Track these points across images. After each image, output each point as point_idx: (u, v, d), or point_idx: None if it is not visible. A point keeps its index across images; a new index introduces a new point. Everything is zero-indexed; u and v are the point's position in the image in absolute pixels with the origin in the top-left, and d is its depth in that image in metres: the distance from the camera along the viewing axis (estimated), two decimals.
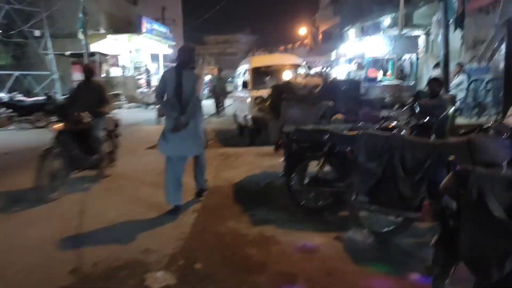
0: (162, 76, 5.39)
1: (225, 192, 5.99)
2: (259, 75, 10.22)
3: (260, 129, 10.10)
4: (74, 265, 3.74)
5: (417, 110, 5.17)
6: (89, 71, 6.88)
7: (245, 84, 10.07)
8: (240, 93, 10.98)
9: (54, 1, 22.46)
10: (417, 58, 11.00)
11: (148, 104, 23.53)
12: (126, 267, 3.72)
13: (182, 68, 5.04)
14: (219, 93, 17.35)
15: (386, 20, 18.78)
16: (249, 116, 9.84)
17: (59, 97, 20.66)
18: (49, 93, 20.69)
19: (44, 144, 5.96)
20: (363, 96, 5.75)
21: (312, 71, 11.55)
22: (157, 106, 12.69)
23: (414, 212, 3.68)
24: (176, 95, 4.97)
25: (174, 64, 5.31)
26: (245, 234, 4.42)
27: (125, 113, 21.19)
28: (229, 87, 22.32)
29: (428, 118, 4.87)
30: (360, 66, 12.20)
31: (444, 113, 5.44)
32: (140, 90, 25.15)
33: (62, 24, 23.60)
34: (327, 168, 4.84)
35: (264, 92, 9.71)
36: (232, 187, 6.27)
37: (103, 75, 25.44)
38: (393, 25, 18.30)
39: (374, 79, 11.52)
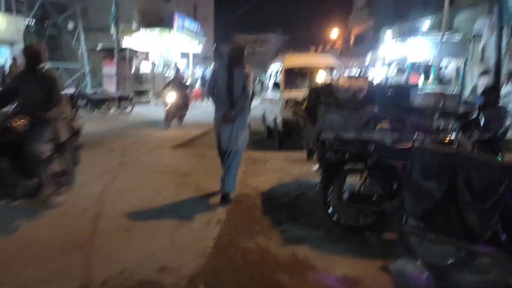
0: (213, 72, 5.94)
1: (253, 202, 5.47)
2: (292, 75, 9.67)
3: (290, 133, 9.56)
4: (80, 282, 3.29)
5: (482, 122, 4.54)
6: (33, 57, 4.66)
7: (276, 85, 9.54)
8: (270, 94, 10.45)
9: None
10: (465, 65, 10.21)
11: None
12: None
13: (233, 66, 5.32)
14: None
15: (426, 22, 17.94)
16: (279, 119, 9.31)
17: (88, 91, 20.69)
18: (79, 86, 20.86)
19: None
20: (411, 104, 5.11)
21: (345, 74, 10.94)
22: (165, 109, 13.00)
23: (481, 246, 3.07)
24: (227, 91, 5.30)
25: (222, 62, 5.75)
26: (275, 254, 3.88)
27: (152, 109, 21.00)
28: (257, 87, 21.80)
29: (492, 132, 4.22)
30: (400, 71, 11.48)
31: (505, 126, 4.78)
32: None
33: (94, 17, 23.65)
34: (368, 181, 4.26)
35: (297, 94, 9.16)
36: (260, 196, 5.75)
37: (133, 70, 25.40)
38: (432, 28, 17.45)
39: (415, 86, 10.80)
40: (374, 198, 4.20)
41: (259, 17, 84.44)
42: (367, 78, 5.25)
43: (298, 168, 7.43)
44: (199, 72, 35.69)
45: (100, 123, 13.68)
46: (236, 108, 5.27)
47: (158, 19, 26.68)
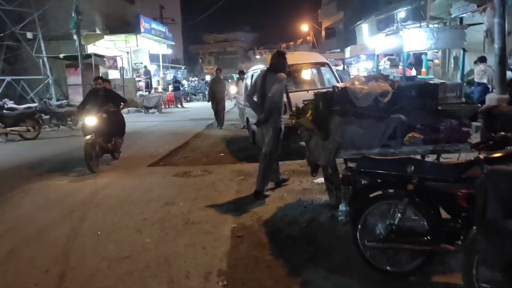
0: (256, 79, 6.20)
1: (257, 237, 4.48)
2: None
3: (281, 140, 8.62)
4: None
5: None
6: None
7: None
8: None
9: (45, 0, 20.93)
10: (464, 52, 9.46)
11: (148, 108, 22.05)
12: None
13: (269, 71, 5.72)
14: (219, 97, 13.99)
15: (401, 13, 17.32)
16: None
17: (54, 102, 19.21)
18: (43, 98, 19.35)
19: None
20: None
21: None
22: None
23: None
24: (261, 96, 5.78)
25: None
26: None
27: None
28: (231, 89, 20.72)
29: None
30: (394, 63, 10.70)
31: None
32: (139, 93, 23.64)
33: (55, 25, 22.20)
34: (407, 211, 3.36)
35: (285, 97, 8.23)
36: (263, 226, 4.77)
37: None
38: (407, 19, 16.84)
39: (412, 78, 10.08)
40: (418, 233, 3.30)
41: (227, 17, 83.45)
42: (388, 77, 4.28)
43: (298, 182, 6.51)
44: (170, 76, 34.39)
45: (66, 141, 12.43)
46: (264, 112, 5.72)
47: (123, 23, 25.36)
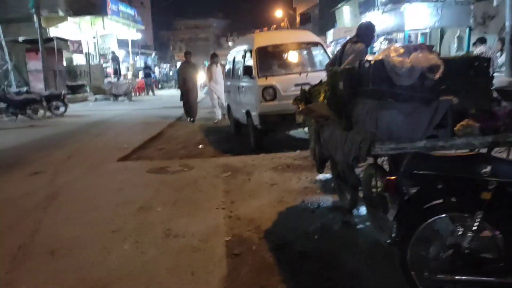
0: (337, 51, 5.45)
1: (259, 255, 3.47)
2: (267, 57, 7.70)
3: (270, 130, 7.66)
4: None
5: None
6: None
7: (247, 71, 7.51)
8: (238, 82, 8.44)
9: None
10: (470, 30, 8.65)
11: (116, 96, 20.63)
12: None
13: (350, 41, 5.02)
14: (190, 85, 11.52)
15: None
16: (255, 113, 7.35)
17: (14, 89, 17.56)
18: (1, 85, 17.68)
19: None
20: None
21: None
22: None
23: None
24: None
25: None
26: None
27: (90, 107, 18.29)
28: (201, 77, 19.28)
29: None
30: (392, 44, 9.80)
31: None
32: (107, 80, 22.13)
33: (14, 7, 20.36)
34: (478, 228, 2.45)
35: (274, 81, 7.25)
36: (264, 240, 3.78)
37: (65, 63, 22.35)
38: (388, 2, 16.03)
39: None
40: (495, 262, 2.40)
41: (198, 2, 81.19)
42: (432, 47, 3.30)
43: (296, 179, 5.56)
44: (140, 63, 32.73)
45: (22, 133, 11.08)
46: None
47: (88, 4, 23.60)
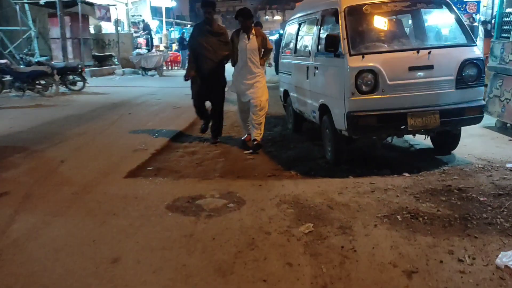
0: None
1: None
2: (362, 24, 4.93)
3: (363, 136, 4.98)
4: None
5: None
6: None
7: (330, 43, 4.69)
8: (307, 60, 5.73)
9: None
10: None
11: (146, 70, 18.16)
12: None
13: None
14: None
15: None
16: (339, 110, 4.63)
17: (37, 58, 15.34)
18: (20, 54, 15.56)
19: None
20: None
21: None
22: None
23: None
24: None
25: None
26: None
27: (115, 82, 15.87)
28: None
29: None
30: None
31: None
32: (136, 51, 19.66)
33: None
34: None
35: (376, 61, 4.49)
36: None
37: (92, 31, 20.08)
38: None
39: None
40: None
41: None
42: None
43: (453, 261, 2.86)
44: (174, 34, 30.14)
45: (18, 116, 8.69)
46: None
47: None
